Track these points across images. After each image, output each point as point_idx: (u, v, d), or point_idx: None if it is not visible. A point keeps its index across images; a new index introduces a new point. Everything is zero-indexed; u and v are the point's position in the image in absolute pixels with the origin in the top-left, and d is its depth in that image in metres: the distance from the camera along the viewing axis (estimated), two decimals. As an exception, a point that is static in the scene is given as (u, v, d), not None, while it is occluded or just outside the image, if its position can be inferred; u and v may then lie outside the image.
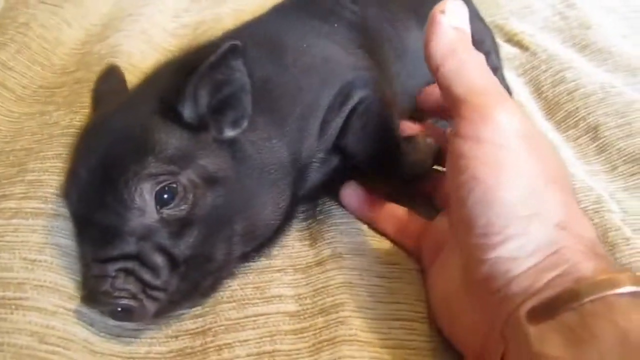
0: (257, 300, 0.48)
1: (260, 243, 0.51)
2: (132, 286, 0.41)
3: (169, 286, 0.43)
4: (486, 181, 0.37)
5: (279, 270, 0.51)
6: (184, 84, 0.44)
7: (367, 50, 0.59)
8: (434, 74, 0.43)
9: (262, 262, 0.52)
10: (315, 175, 0.54)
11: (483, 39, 0.72)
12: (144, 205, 0.42)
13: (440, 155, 0.55)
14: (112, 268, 0.42)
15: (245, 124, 0.47)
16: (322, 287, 0.49)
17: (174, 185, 0.42)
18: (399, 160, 0.54)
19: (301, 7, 0.63)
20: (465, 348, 0.42)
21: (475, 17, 0.75)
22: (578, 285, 0.34)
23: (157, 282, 0.42)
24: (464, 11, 0.44)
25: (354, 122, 0.53)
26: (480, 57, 0.43)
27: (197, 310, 0.48)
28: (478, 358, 0.39)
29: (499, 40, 0.87)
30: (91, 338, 0.45)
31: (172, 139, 0.44)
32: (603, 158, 0.65)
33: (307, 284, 0.49)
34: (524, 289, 0.36)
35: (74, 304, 0.45)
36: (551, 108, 0.73)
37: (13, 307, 0.44)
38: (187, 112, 0.45)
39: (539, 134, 0.41)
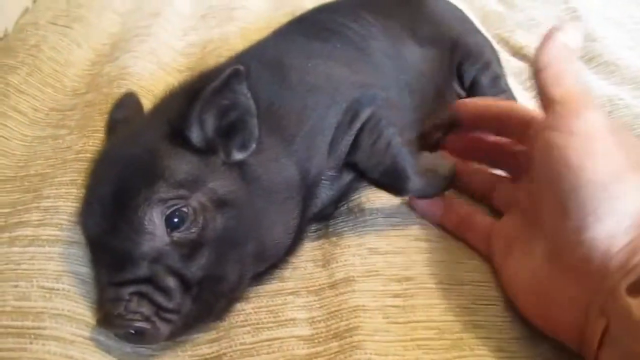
0: (271, 324, 0.48)
1: (272, 263, 0.51)
2: (146, 309, 0.42)
3: (182, 308, 0.43)
4: (578, 166, 0.41)
5: (291, 293, 0.51)
6: (190, 109, 0.45)
7: (371, 68, 0.61)
8: (535, 75, 0.47)
9: (275, 285, 0.52)
10: (325, 192, 0.55)
11: (482, 50, 0.73)
12: (155, 229, 0.43)
13: (453, 178, 0.57)
14: (126, 291, 0.42)
15: (252, 146, 0.48)
16: (336, 311, 0.49)
17: (184, 209, 0.43)
18: (409, 178, 0.54)
19: (303, 29, 0.65)
20: (562, 328, 0.43)
21: (473, 30, 0.76)
22: None
23: (170, 305, 0.43)
24: (578, 36, 0.48)
25: (364, 138, 0.53)
26: (577, 70, 0.48)
27: (212, 334, 0.48)
28: (579, 335, 0.41)
29: (505, 55, 0.87)
30: (109, 366, 0.45)
31: (181, 164, 0.45)
32: (612, 172, 0.65)
33: (321, 307, 0.50)
34: (622, 265, 0.38)
35: (92, 333, 0.45)
36: (559, 122, 0.73)
37: (32, 336, 0.44)
38: (195, 136, 0.46)
39: (624, 130, 0.45)
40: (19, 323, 0.45)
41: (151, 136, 0.47)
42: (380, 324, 0.48)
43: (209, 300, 0.45)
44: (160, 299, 0.42)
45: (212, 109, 0.46)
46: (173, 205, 0.43)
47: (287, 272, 0.53)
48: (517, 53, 0.87)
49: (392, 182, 0.55)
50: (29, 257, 0.50)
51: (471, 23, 0.78)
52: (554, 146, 0.42)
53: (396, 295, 0.50)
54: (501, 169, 0.59)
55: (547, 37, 0.47)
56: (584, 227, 0.40)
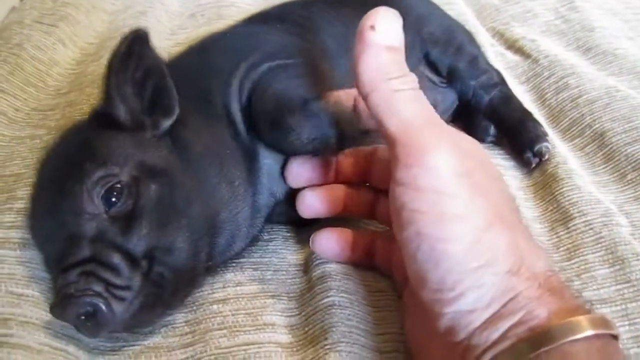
0: (249, 328, 0.46)
1: (232, 237, 0.49)
2: (94, 285, 0.41)
3: (132, 283, 0.42)
4: (432, 236, 0.36)
5: (272, 296, 0.49)
6: (106, 85, 0.46)
7: (304, 39, 0.60)
8: (364, 101, 0.39)
9: (254, 286, 0.50)
10: (267, 158, 0.52)
11: (451, 35, 0.71)
12: (93, 209, 0.43)
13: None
14: (73, 274, 0.41)
15: (176, 109, 0.48)
16: (312, 314, 0.47)
17: (118, 185, 0.44)
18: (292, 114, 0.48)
19: (252, 18, 0.69)
20: None
21: (438, 17, 0.74)
22: (533, 334, 0.34)
23: (118, 281, 0.42)
24: (398, 23, 0.40)
25: (254, 96, 0.51)
26: (414, 82, 0.40)
27: (187, 338, 0.46)
28: None
29: (500, 48, 0.85)
30: (77, 376, 0.43)
31: (109, 143, 0.46)
32: (611, 166, 0.63)
33: (300, 314, 0.48)
34: (484, 340, 0.35)
35: (60, 343, 0.44)
36: (555, 116, 0.71)
37: (-2, 344, 0.42)
38: (120, 113, 0.47)
39: (481, 166, 0.39)
40: (-15, 329, 0.43)
41: (82, 126, 0.49)
42: (355, 328, 0.46)
43: (164, 274, 0.43)
44: (107, 275, 0.41)
45: (128, 81, 0.46)
46: (107, 184, 0.43)
47: (268, 274, 0.51)
48: (512, 46, 0.85)
49: (276, 135, 0.49)
50: (-1, 261, 0.49)
51: (437, 10, 0.76)
52: (403, 207, 0.37)
53: (370, 305, 0.48)
54: None
55: (362, 43, 0.38)
56: (446, 302, 0.36)
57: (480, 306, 0.35)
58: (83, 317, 0.41)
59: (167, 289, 0.44)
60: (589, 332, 0.33)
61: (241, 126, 0.52)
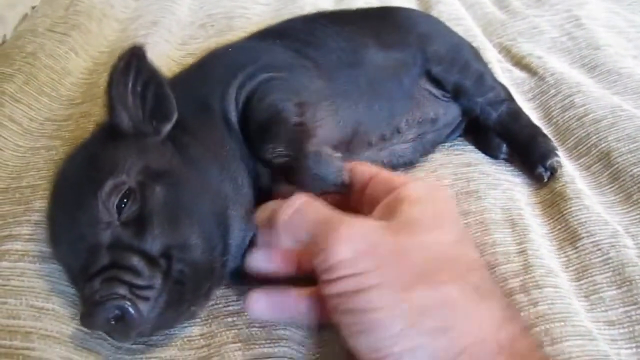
0: (263, 342, 0.47)
1: (244, 229, 0.50)
2: (118, 289, 0.42)
3: (154, 282, 0.43)
4: (355, 310, 0.37)
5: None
6: (108, 97, 0.49)
7: (302, 54, 0.63)
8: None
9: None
10: None
11: (456, 53, 0.72)
12: (108, 217, 0.45)
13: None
14: (96, 283, 0.43)
15: (175, 114, 0.50)
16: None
17: (127, 192, 0.45)
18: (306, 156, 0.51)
19: (256, 35, 0.72)
20: None
21: (444, 35, 0.75)
22: None
23: (140, 281, 0.43)
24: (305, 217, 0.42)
25: (251, 107, 0.55)
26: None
27: (203, 352, 0.47)
28: None
29: (507, 64, 0.86)
30: (98, 388, 0.44)
31: (116, 152, 0.48)
32: (617, 186, 0.64)
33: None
34: None
35: (81, 356, 0.44)
36: (562, 134, 0.72)
37: (20, 357, 0.43)
38: (123, 122, 0.49)
39: (394, 233, 0.39)
40: (7, 342, 0.44)
41: (88, 141, 0.52)
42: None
43: (183, 271, 0.45)
44: (129, 277, 0.43)
45: (128, 92, 0.49)
46: (119, 193, 0.45)
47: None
48: (519, 63, 0.86)
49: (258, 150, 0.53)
50: (19, 274, 0.50)
51: (442, 28, 0.77)
52: (326, 294, 0.39)
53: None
54: None
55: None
56: None
57: None
58: (113, 322, 0.42)
59: (189, 285, 0.45)
60: None
61: (237, 130, 0.55)
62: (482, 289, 0.38)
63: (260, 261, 0.48)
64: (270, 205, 0.46)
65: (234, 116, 0.55)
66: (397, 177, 0.45)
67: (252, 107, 0.54)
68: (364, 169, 0.48)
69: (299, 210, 0.42)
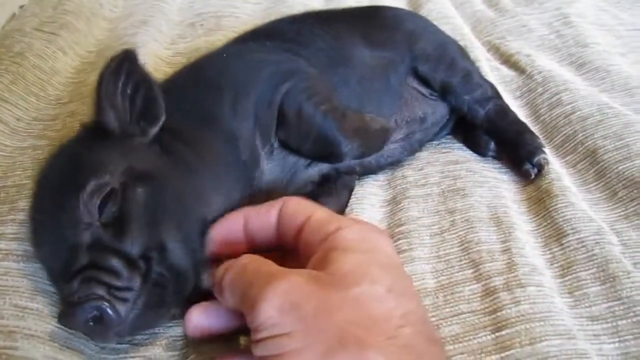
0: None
1: None
2: (97, 289, 0.42)
3: (132, 284, 0.43)
4: None
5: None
6: (96, 95, 0.49)
7: (297, 55, 0.63)
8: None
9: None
10: (269, 166, 0.57)
11: (443, 51, 0.72)
12: (89, 218, 0.44)
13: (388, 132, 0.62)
14: (75, 283, 0.43)
15: (163, 117, 0.50)
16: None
17: (109, 193, 0.45)
18: (340, 141, 0.56)
19: (244, 36, 0.71)
20: None
21: (431, 33, 0.75)
22: None
23: (119, 283, 0.43)
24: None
25: (286, 112, 0.56)
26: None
27: (189, 353, 0.47)
28: None
29: (495, 63, 0.86)
30: (81, 390, 0.44)
31: (100, 153, 0.48)
32: (603, 183, 0.64)
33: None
34: None
35: (64, 355, 0.44)
36: (549, 132, 0.72)
37: (4, 357, 0.43)
38: (110, 120, 0.49)
39: (319, 289, 0.37)
40: (-10, 341, 0.44)
41: (72, 141, 0.51)
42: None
43: (163, 274, 0.44)
44: (107, 278, 0.43)
45: (118, 93, 0.49)
46: (101, 194, 0.45)
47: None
48: (507, 61, 0.86)
49: (325, 150, 0.57)
50: (3, 273, 0.49)
51: (429, 26, 0.77)
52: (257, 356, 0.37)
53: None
54: None
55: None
56: None
57: None
58: (91, 322, 0.42)
59: (168, 288, 0.45)
60: None
61: (246, 142, 0.54)
62: (413, 347, 0.35)
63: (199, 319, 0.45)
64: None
65: (246, 128, 0.55)
66: (331, 219, 0.42)
67: (290, 122, 0.56)
68: (298, 209, 0.44)
69: (243, 267, 0.40)
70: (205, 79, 0.58)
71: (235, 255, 0.42)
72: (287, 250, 0.45)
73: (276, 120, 0.56)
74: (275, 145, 0.57)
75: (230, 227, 0.47)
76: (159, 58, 0.86)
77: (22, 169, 0.63)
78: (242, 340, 0.47)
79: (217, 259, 0.46)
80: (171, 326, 0.50)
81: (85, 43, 0.90)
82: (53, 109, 0.75)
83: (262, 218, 0.45)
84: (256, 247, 0.46)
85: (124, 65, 0.50)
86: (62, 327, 0.45)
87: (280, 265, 0.41)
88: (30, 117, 0.73)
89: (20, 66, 0.78)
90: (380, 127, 0.61)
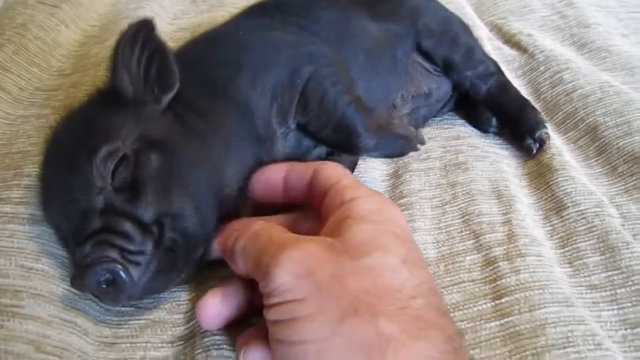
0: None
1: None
2: (110, 252, 0.43)
3: (145, 248, 0.44)
4: (287, 342, 0.36)
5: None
6: (112, 60, 0.49)
7: (311, 32, 0.62)
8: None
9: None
10: (282, 145, 0.56)
11: (447, 26, 0.72)
12: (102, 183, 0.44)
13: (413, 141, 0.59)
14: (88, 246, 0.43)
15: (176, 85, 0.50)
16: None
17: (122, 159, 0.45)
18: (360, 134, 0.55)
19: (251, 10, 0.69)
20: None
21: (435, 9, 0.75)
22: None
23: (131, 246, 0.43)
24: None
25: (309, 97, 0.55)
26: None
27: (191, 315, 0.48)
28: None
29: (498, 42, 0.87)
30: (86, 347, 0.45)
31: (113, 118, 0.48)
32: (603, 159, 0.64)
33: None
34: None
35: (69, 315, 0.45)
36: (550, 109, 0.73)
37: (10, 314, 0.44)
38: (124, 85, 0.49)
39: (329, 258, 0.37)
40: (-4, 300, 0.45)
41: (85, 105, 0.51)
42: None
43: (175, 239, 0.45)
44: (120, 241, 0.43)
45: (134, 60, 0.49)
46: (115, 159, 0.45)
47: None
48: (509, 40, 0.86)
49: (343, 139, 0.56)
50: (9, 235, 0.50)
51: (433, 2, 0.76)
52: (267, 321, 0.38)
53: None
54: None
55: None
56: None
57: None
58: (103, 285, 0.42)
59: (180, 253, 0.45)
60: None
61: (262, 119, 0.54)
62: (424, 318, 0.36)
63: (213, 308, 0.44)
64: (235, 227, 0.45)
65: (263, 106, 0.54)
66: (351, 188, 0.43)
67: (313, 107, 0.55)
68: (330, 173, 0.45)
69: (256, 234, 0.41)
70: (223, 55, 0.57)
71: (271, 200, 0.48)
72: (311, 210, 0.46)
73: (296, 104, 0.55)
74: (293, 127, 0.56)
75: (273, 174, 0.49)
76: (162, 33, 0.85)
77: (26, 137, 0.63)
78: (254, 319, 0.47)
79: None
80: (175, 291, 0.50)
81: (87, 17, 0.90)
82: (55, 80, 0.75)
83: (300, 173, 0.47)
84: (288, 200, 0.49)
85: (140, 33, 0.49)
86: (72, 289, 0.46)
87: (291, 230, 0.42)
88: (33, 87, 0.73)
89: (22, 37, 0.78)
90: (404, 133, 0.59)
